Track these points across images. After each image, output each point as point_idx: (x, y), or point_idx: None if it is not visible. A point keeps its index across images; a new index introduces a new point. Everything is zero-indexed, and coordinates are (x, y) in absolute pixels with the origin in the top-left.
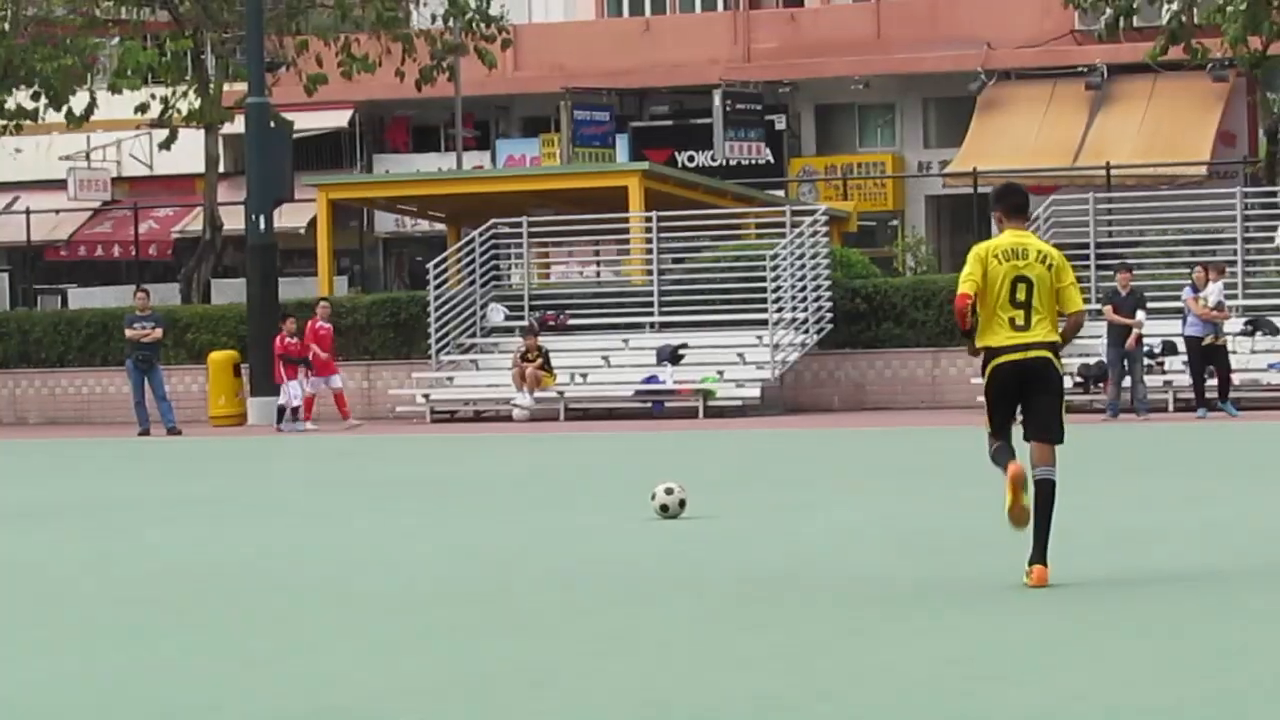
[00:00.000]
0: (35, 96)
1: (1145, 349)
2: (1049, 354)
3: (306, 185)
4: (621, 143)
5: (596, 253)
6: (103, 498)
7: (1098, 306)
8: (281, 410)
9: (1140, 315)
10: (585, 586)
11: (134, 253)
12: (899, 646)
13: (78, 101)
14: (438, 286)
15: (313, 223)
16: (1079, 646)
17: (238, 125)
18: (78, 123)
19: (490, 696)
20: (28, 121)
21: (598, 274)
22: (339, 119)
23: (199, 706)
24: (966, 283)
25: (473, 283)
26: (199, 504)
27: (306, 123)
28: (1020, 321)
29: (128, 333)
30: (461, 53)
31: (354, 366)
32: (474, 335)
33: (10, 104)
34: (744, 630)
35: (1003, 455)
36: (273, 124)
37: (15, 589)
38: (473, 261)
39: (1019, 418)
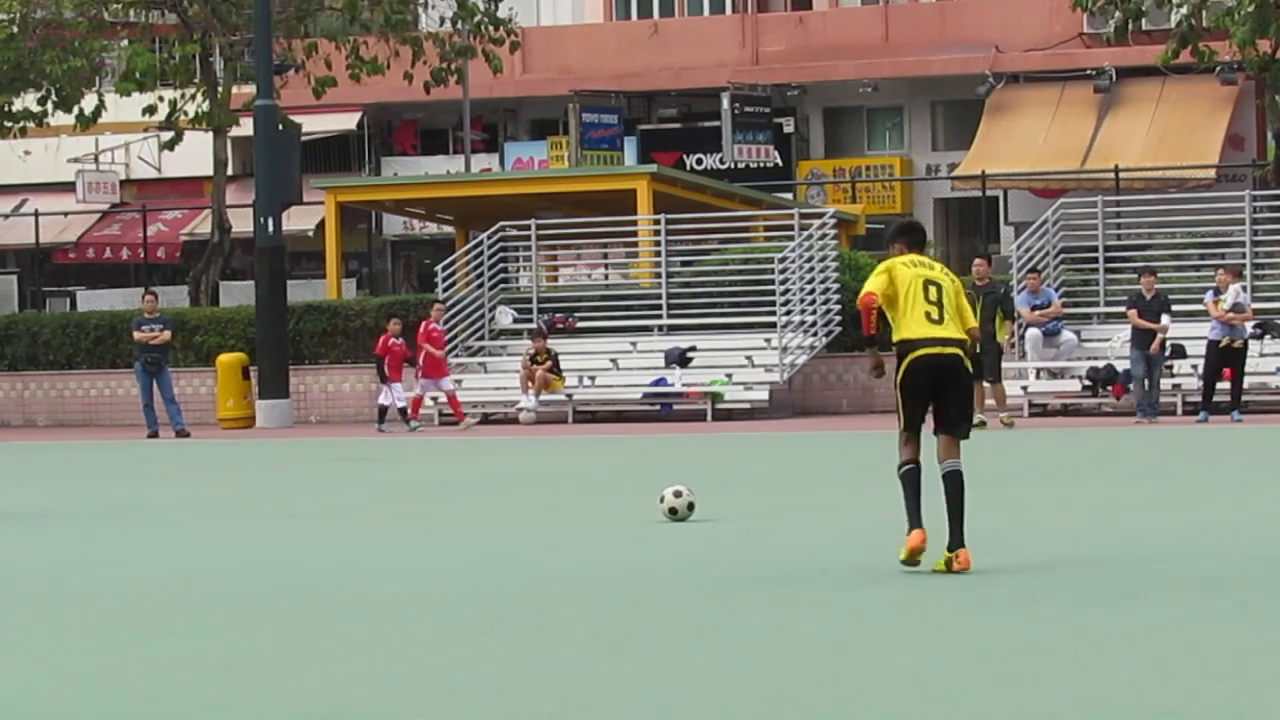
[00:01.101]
0: (43, 99)
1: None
2: (961, 352)
3: (315, 188)
4: (630, 145)
5: (605, 255)
6: (112, 500)
7: (1105, 310)
8: (383, 411)
9: (1165, 320)
10: (594, 588)
11: (142, 255)
12: (907, 648)
13: (86, 104)
14: (446, 289)
15: (321, 225)
16: (1086, 648)
17: (246, 128)
18: (86, 125)
19: (498, 699)
20: (36, 124)
21: (606, 277)
22: (347, 121)
23: (206, 709)
24: (874, 281)
25: (481, 285)
26: (208, 506)
27: (315, 125)
28: (935, 316)
29: (136, 335)
30: (470, 55)
31: (362, 369)
32: (482, 338)
33: (18, 107)
34: (753, 631)
35: (911, 505)
36: (281, 127)
37: (23, 591)
38: (481, 264)
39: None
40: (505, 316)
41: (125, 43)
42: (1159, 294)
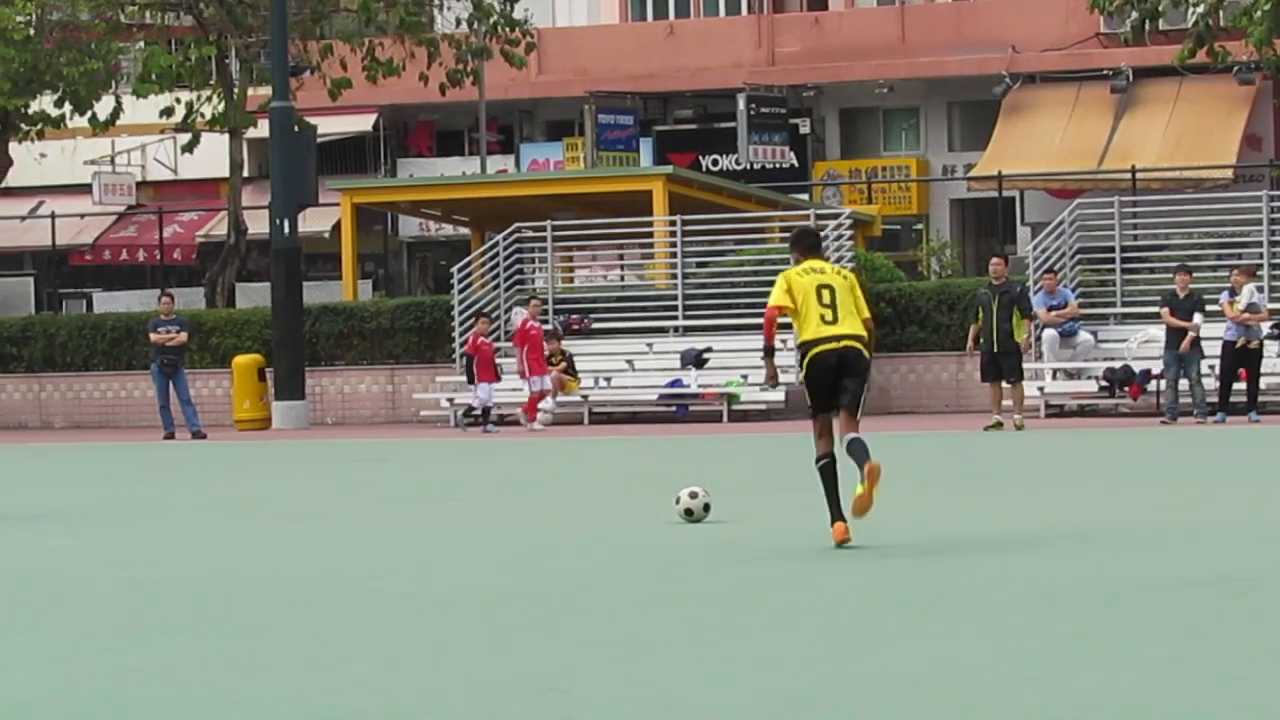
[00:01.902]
0: (60, 102)
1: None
2: (859, 345)
3: (331, 190)
4: (645, 147)
5: (620, 257)
6: (127, 501)
7: (1122, 311)
8: (469, 410)
9: (1198, 318)
10: (610, 589)
11: (159, 257)
12: (925, 648)
13: (102, 106)
14: (462, 291)
15: (337, 227)
16: (1104, 649)
17: (262, 130)
18: (102, 128)
19: (510, 701)
20: (52, 126)
21: (622, 278)
22: (363, 123)
23: (219, 710)
24: (776, 296)
25: (497, 287)
26: (224, 508)
27: (330, 127)
28: (829, 317)
29: (152, 336)
30: (486, 57)
31: (378, 370)
32: (498, 339)
33: (35, 109)
34: (770, 632)
35: (831, 498)
36: (296, 128)
37: (37, 592)
38: (497, 266)
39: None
40: (521, 318)
41: (141, 45)
42: (1192, 293)
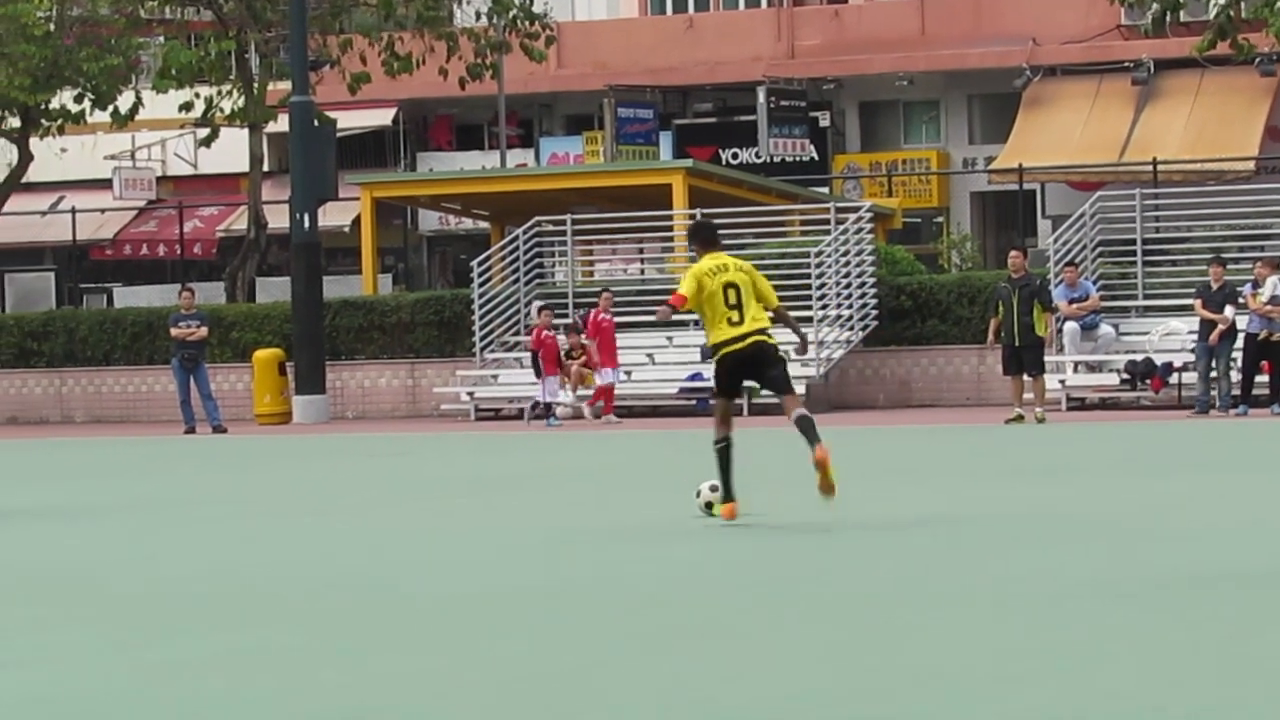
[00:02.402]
0: (80, 97)
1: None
2: (763, 337)
3: (350, 184)
4: (665, 140)
5: (640, 251)
6: (148, 496)
7: (1144, 304)
8: (535, 405)
9: (1229, 311)
10: (630, 584)
11: (179, 251)
12: (943, 644)
13: (123, 102)
14: (481, 284)
15: (357, 221)
16: (1125, 645)
17: (282, 124)
18: (122, 122)
19: (534, 696)
20: (73, 122)
21: (642, 272)
22: (382, 117)
23: (242, 705)
24: (685, 286)
25: (516, 281)
26: (245, 502)
27: (350, 121)
28: (735, 319)
29: (172, 331)
30: (505, 51)
31: (398, 364)
32: (518, 333)
33: (55, 104)
34: (785, 628)
35: (724, 478)
36: (316, 123)
37: (58, 588)
38: (516, 259)
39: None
40: (542, 311)
41: (161, 40)
42: (1225, 284)
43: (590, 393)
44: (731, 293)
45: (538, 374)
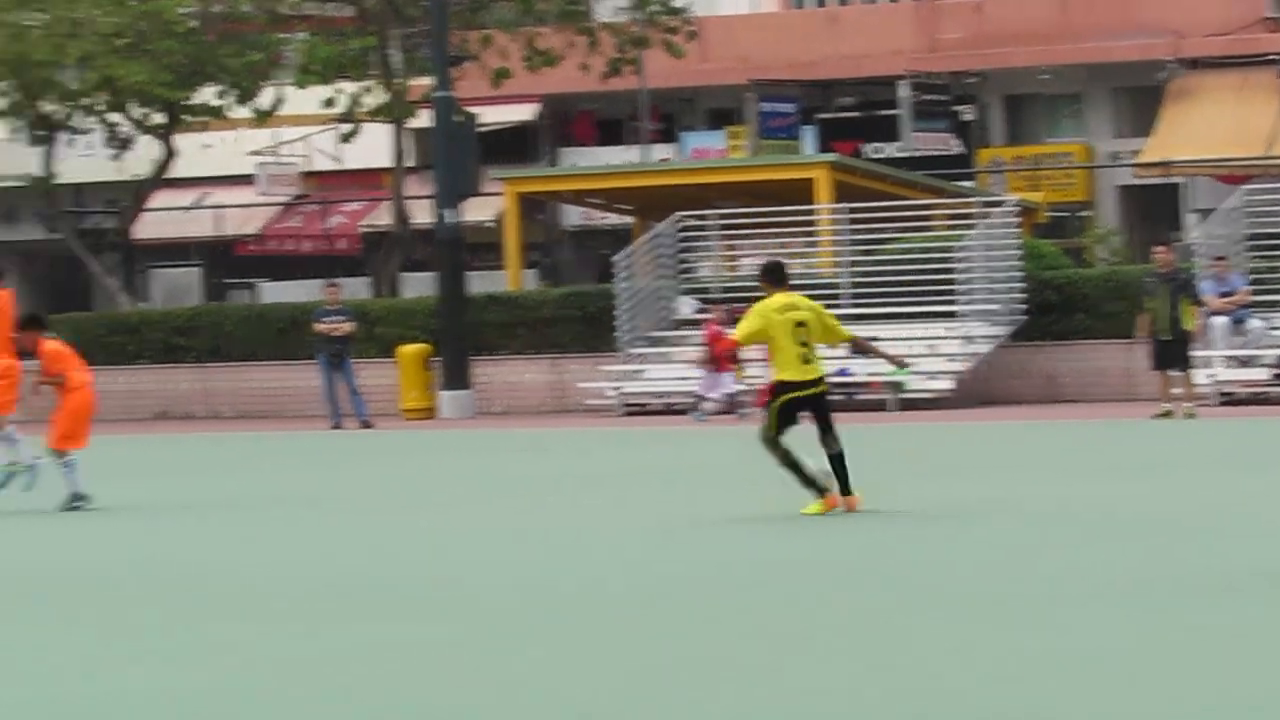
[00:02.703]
0: (222, 93)
1: None
2: (825, 386)
3: (494, 179)
4: (808, 135)
5: (784, 245)
6: (297, 491)
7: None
8: (711, 400)
9: None
10: (743, 584)
11: (325, 247)
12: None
13: (265, 97)
14: (625, 279)
15: (502, 216)
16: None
17: (424, 119)
18: (264, 119)
19: (667, 694)
20: (215, 117)
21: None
22: (524, 113)
23: (391, 699)
24: (747, 325)
25: (661, 276)
26: (394, 496)
27: (492, 116)
28: (807, 358)
29: (318, 327)
30: (646, 45)
31: (542, 359)
32: (663, 328)
33: (198, 100)
34: (901, 633)
35: (805, 477)
36: (457, 119)
37: (206, 583)
38: (660, 254)
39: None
40: (685, 306)
41: (303, 36)
42: None
43: (738, 387)
44: (802, 330)
45: (713, 369)
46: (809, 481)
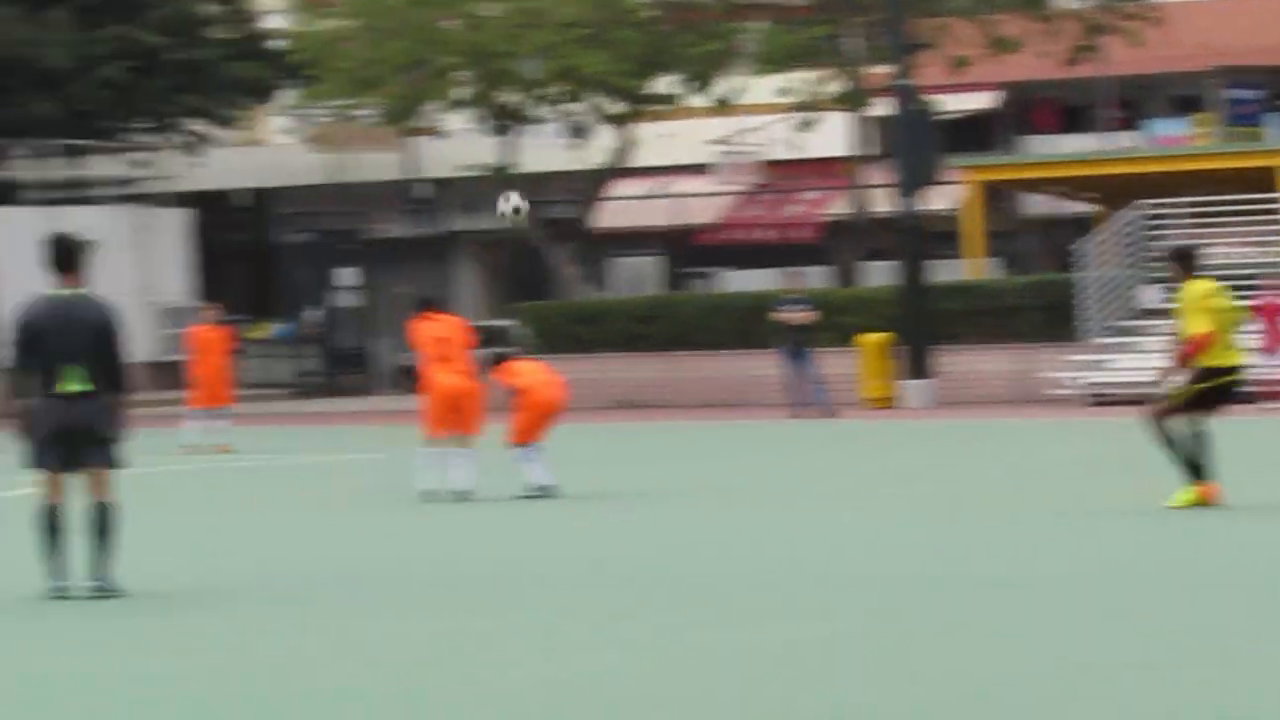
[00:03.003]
0: (681, 83)
1: None
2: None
3: (953, 167)
4: (1275, 122)
5: (1247, 234)
6: (769, 478)
7: None
8: None
9: None
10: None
11: (784, 236)
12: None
13: (723, 86)
14: (1089, 268)
15: (961, 205)
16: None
17: (881, 108)
18: (723, 107)
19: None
20: (670, 106)
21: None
22: (983, 100)
23: (817, 692)
24: (1203, 321)
25: (1126, 264)
26: (859, 484)
27: (953, 105)
28: (1230, 343)
29: (779, 315)
30: (1106, 32)
31: (1004, 349)
32: (1128, 318)
33: (656, 89)
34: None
35: (1185, 459)
36: (916, 107)
37: (630, 576)
38: (1124, 243)
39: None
40: (1149, 295)
41: (760, 25)
42: None
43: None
44: (1228, 316)
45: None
46: (1192, 466)
